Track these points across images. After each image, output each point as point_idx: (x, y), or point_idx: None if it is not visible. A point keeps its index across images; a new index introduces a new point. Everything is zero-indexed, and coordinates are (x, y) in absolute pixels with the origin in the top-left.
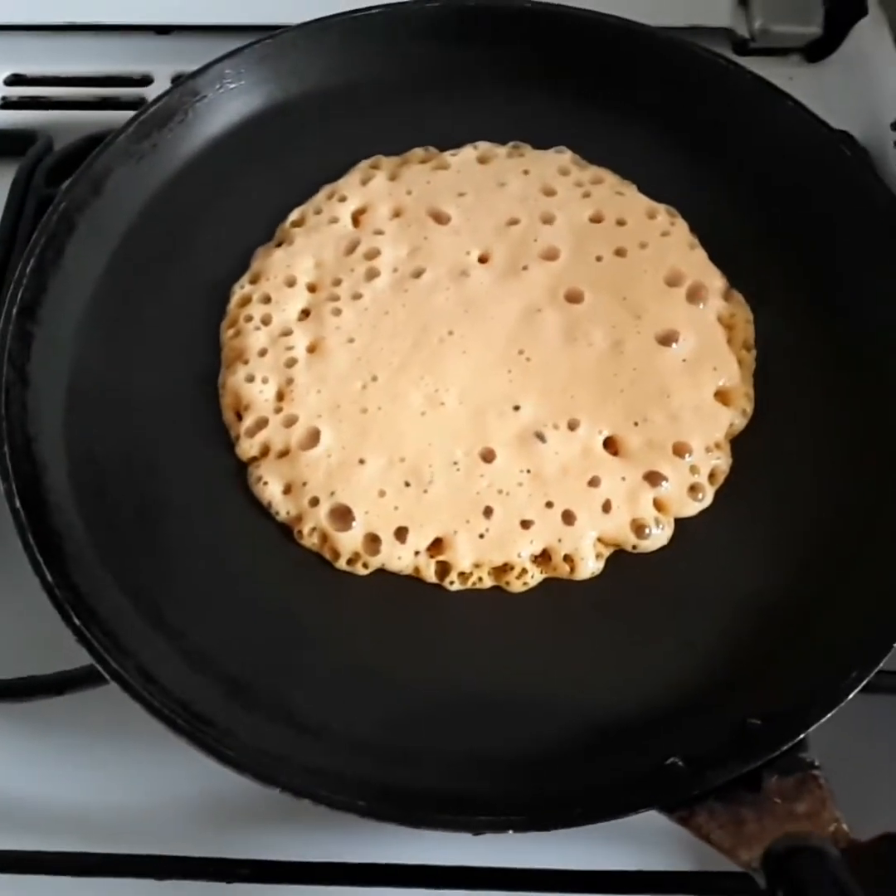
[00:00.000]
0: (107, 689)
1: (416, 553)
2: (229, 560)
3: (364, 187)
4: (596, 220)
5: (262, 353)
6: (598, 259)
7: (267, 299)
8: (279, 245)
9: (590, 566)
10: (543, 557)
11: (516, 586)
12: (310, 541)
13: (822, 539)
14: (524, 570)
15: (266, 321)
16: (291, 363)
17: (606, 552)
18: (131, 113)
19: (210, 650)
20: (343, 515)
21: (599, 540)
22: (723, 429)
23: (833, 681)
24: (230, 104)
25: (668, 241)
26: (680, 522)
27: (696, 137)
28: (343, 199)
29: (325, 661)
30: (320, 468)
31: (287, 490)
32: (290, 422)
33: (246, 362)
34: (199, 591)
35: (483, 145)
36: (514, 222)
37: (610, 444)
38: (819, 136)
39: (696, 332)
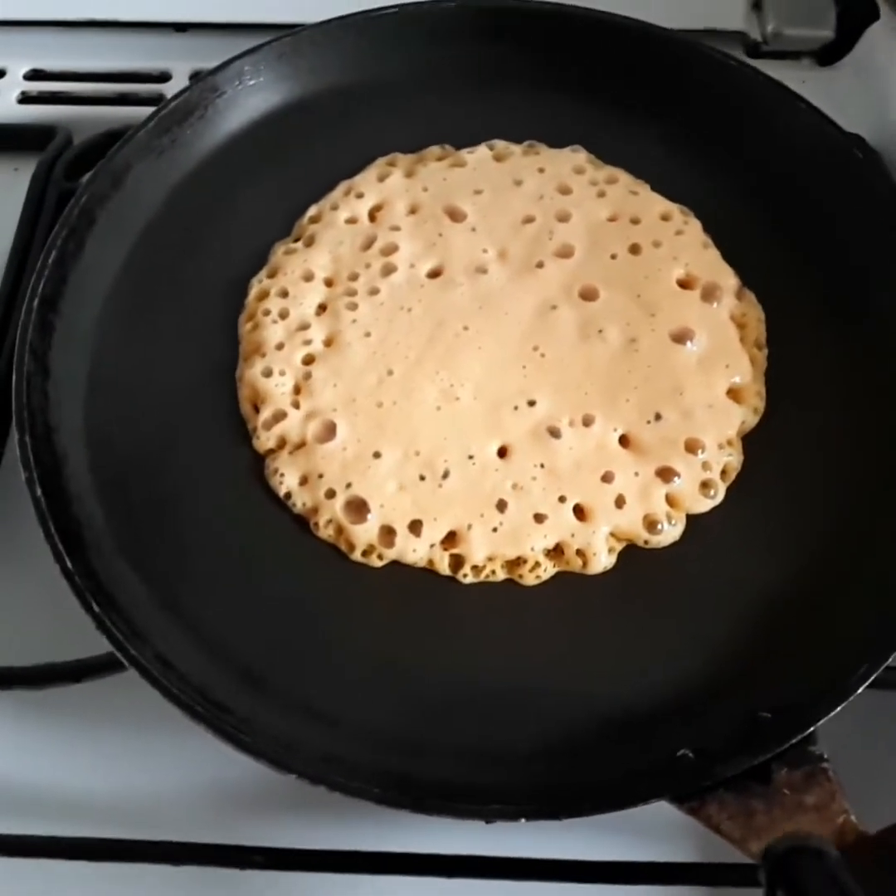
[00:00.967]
0: (124, 676)
1: (431, 546)
2: (246, 550)
3: (381, 184)
4: (611, 218)
5: (280, 346)
6: (613, 257)
7: (284, 293)
8: (297, 240)
9: (602, 561)
10: (556, 551)
11: (529, 579)
12: (326, 533)
13: (832, 535)
14: (537, 564)
15: (283, 315)
16: (308, 357)
17: (619, 547)
18: (149, 109)
19: (227, 639)
20: (359, 508)
21: (612, 535)
22: (735, 426)
23: (842, 675)
24: (249, 101)
25: (681, 240)
26: (691, 518)
27: (709, 138)
28: (360, 196)
29: (339, 650)
30: (336, 461)
31: (303, 482)
32: (307, 415)
33: (263, 355)
34: (216, 580)
35: (499, 143)
36: (529, 220)
37: (623, 440)
38: (832, 139)
39: (710, 331)
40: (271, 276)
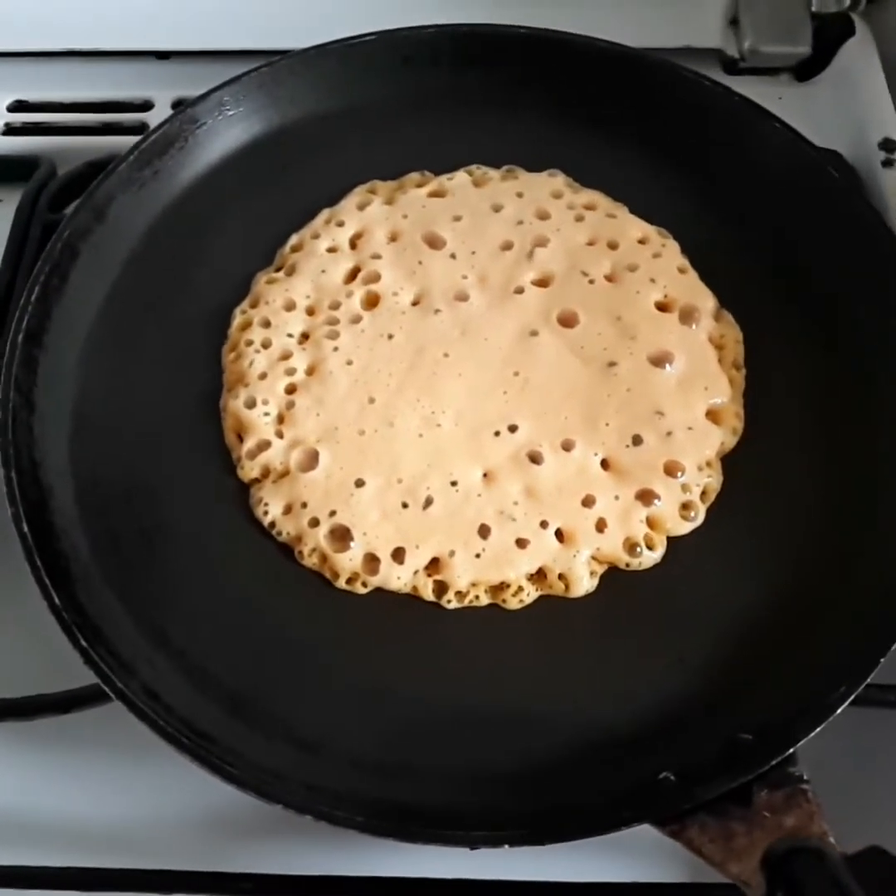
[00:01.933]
0: (113, 706)
1: (415, 572)
2: (232, 580)
3: (361, 212)
4: (589, 243)
5: (263, 376)
6: (591, 281)
7: (267, 323)
8: (279, 269)
9: (584, 584)
10: (539, 575)
11: (512, 604)
12: (310, 561)
13: (810, 556)
14: (520, 588)
15: (266, 345)
16: (291, 386)
17: (600, 570)
18: (133, 138)
19: (212, 668)
20: (342, 536)
21: (594, 558)
22: (714, 447)
23: (822, 695)
24: (229, 131)
25: (659, 263)
26: (672, 540)
27: (684, 159)
28: (340, 224)
29: (324, 678)
30: (319, 489)
31: (287, 511)
32: (290, 444)
33: (247, 385)
34: (202, 610)
35: (477, 169)
36: (508, 246)
37: (603, 464)
38: (806, 158)
39: (688, 353)
40: (254, 305)
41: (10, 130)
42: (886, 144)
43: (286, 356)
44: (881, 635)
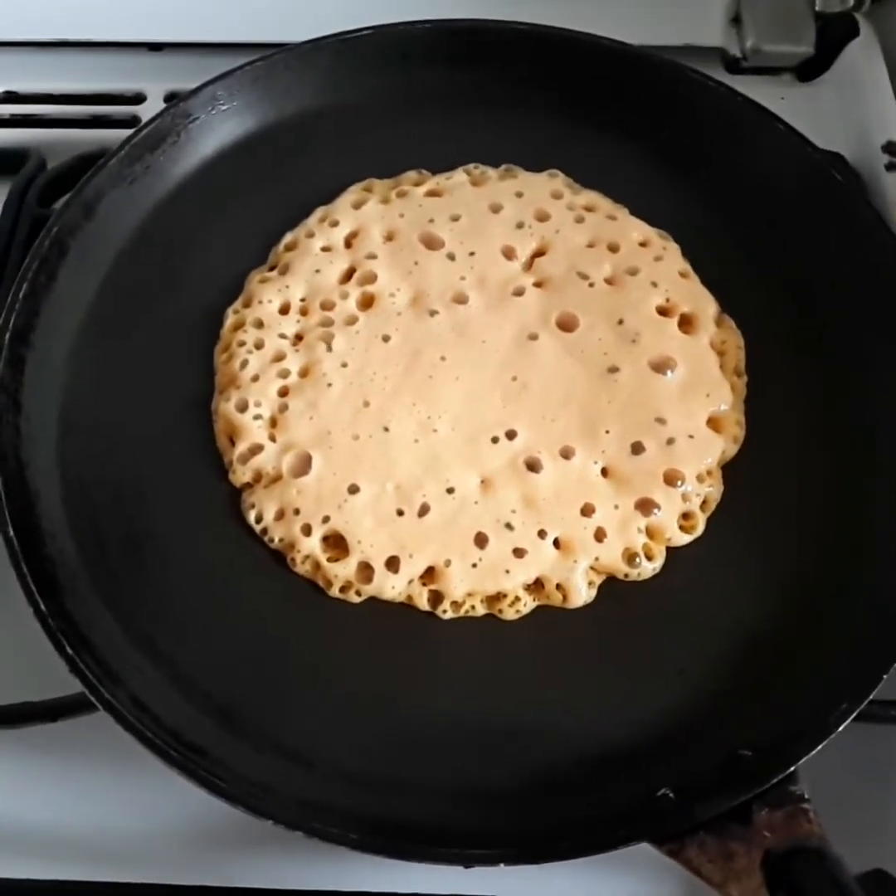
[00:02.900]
0: (101, 715)
1: (410, 582)
2: (222, 587)
3: (356, 211)
4: (589, 245)
5: (255, 378)
6: (591, 285)
7: (260, 324)
8: (272, 269)
9: (582, 595)
10: (536, 585)
11: (509, 614)
12: (303, 568)
13: (811, 568)
14: (517, 598)
15: (259, 346)
16: (284, 388)
17: (599, 580)
18: (125, 131)
19: (201, 678)
20: (336, 543)
21: (592, 568)
22: (715, 456)
23: (823, 713)
24: (223, 126)
25: (660, 267)
26: (672, 550)
27: (686, 159)
28: (335, 224)
29: (316, 689)
30: (312, 495)
31: (279, 517)
32: (283, 448)
33: (239, 388)
34: (192, 618)
35: (475, 168)
36: (506, 247)
37: (603, 472)
38: (809, 160)
39: (690, 359)
40: (246, 305)
41: (0, 122)
42: (890, 147)
43: (279, 358)
44: (884, 651)
